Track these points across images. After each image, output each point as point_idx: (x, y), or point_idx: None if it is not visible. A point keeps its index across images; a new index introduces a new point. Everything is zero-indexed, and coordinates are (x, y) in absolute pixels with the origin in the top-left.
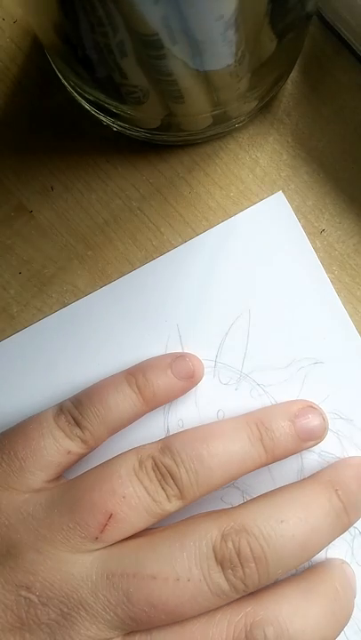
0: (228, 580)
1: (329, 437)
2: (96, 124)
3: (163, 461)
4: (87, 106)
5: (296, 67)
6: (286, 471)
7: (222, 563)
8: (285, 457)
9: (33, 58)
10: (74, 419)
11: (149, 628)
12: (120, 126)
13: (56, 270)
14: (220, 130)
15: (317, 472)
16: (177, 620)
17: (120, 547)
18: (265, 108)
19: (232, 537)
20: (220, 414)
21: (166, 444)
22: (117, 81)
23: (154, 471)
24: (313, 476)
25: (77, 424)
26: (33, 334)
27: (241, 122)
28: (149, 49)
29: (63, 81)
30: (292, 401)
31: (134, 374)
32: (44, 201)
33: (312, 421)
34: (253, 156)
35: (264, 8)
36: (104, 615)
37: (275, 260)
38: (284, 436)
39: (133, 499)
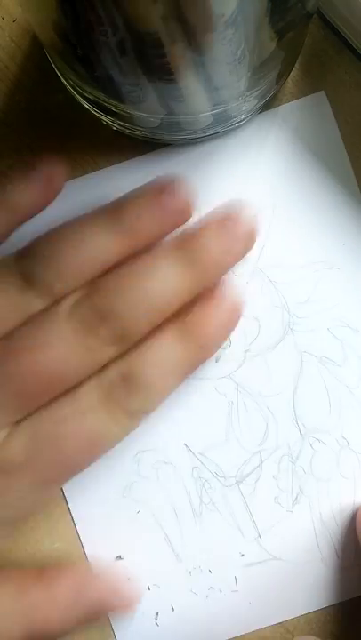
0: (98, 335)
1: (332, 344)
2: (96, 124)
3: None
4: (87, 105)
5: (296, 65)
6: (283, 373)
7: (89, 326)
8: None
9: (32, 57)
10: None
11: (35, 406)
12: (120, 125)
13: None
14: (221, 129)
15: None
16: (60, 390)
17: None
18: (265, 106)
19: (86, 303)
20: None
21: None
22: (117, 80)
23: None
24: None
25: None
26: None
27: (241, 121)
28: (149, 48)
29: (63, 80)
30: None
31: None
32: None
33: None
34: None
35: (264, 7)
36: None
37: (307, 160)
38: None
39: None
